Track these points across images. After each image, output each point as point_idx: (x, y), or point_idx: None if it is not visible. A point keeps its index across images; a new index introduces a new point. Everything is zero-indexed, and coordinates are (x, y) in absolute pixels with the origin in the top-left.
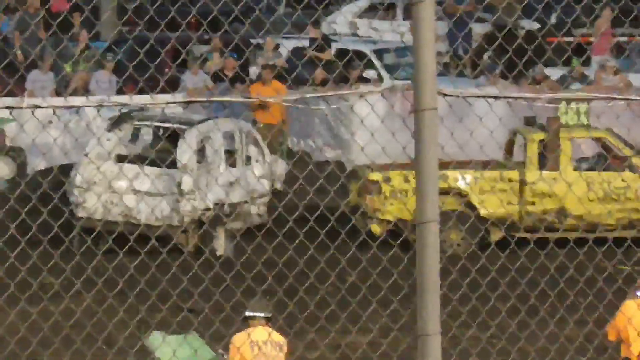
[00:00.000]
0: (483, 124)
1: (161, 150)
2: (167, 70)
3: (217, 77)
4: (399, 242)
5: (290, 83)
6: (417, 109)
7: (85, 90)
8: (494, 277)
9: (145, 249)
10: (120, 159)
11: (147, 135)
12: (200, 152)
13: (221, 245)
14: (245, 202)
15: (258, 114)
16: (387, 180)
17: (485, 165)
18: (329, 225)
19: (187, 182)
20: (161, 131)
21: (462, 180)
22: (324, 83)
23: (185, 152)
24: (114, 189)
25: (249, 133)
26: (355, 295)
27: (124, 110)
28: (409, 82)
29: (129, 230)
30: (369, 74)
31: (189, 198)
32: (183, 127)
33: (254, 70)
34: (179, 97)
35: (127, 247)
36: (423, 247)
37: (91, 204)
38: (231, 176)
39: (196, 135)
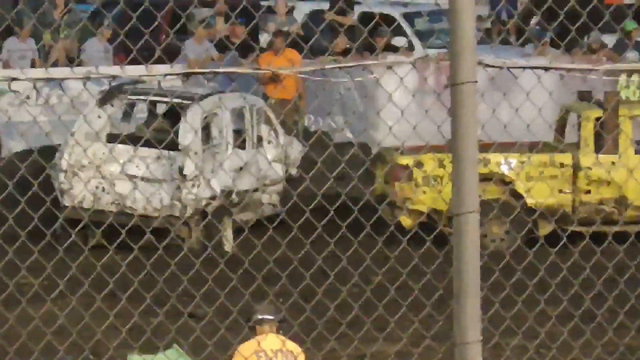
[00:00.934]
0: (530, 99)
1: (159, 130)
2: (164, 37)
3: (222, 46)
4: (432, 236)
5: (306, 52)
6: (453, 82)
7: (70, 61)
8: (543, 277)
9: (140, 244)
10: (112, 139)
11: (141, 113)
12: (205, 132)
13: (228, 239)
14: (256, 189)
15: (269, 89)
16: (419, 164)
17: (532, 147)
18: (352, 217)
19: (189, 167)
20: (158, 107)
21: (505, 164)
22: (346, 52)
23: (187, 132)
24: (105, 173)
25: (260, 110)
26: (382, 298)
27: (115, 83)
28: (445, 51)
29: (122, 221)
30: (398, 41)
31: (192, 185)
32: (185, 102)
33: (264, 38)
34: (178, 68)
35: (119, 241)
36: (461, 242)
37: (78, 191)
38: (240, 160)
39: (200, 112)
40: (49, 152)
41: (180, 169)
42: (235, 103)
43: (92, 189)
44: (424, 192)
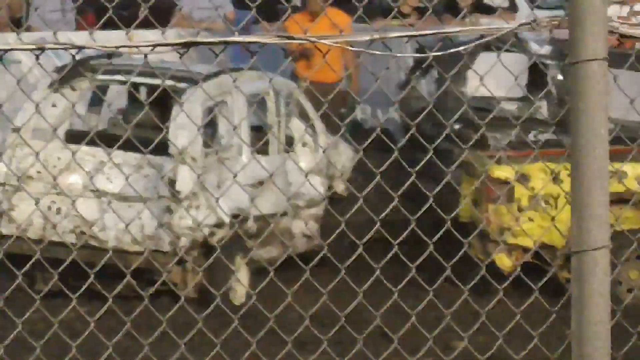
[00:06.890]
0: None
1: (143, 125)
2: None
3: (238, 4)
4: (542, 283)
5: (359, 13)
6: (573, 59)
7: (15, 23)
8: None
9: (114, 293)
10: (72, 138)
11: (118, 100)
12: (209, 128)
13: (242, 286)
14: (284, 214)
15: (303, 66)
16: (524, 179)
17: None
18: (425, 254)
19: (185, 179)
20: (142, 92)
21: None
22: (419, 14)
23: (182, 129)
24: (63, 188)
25: (291, 98)
26: None
27: (80, 56)
28: (562, 13)
29: (85, 258)
30: (495, 0)
31: (189, 206)
32: (180, 85)
33: None
34: (172, 34)
35: (84, 287)
36: (584, 292)
37: (23, 213)
38: (260, 171)
39: (201, 99)
40: None
41: (172, 182)
42: (255, 86)
43: (44, 211)
44: (530, 220)
